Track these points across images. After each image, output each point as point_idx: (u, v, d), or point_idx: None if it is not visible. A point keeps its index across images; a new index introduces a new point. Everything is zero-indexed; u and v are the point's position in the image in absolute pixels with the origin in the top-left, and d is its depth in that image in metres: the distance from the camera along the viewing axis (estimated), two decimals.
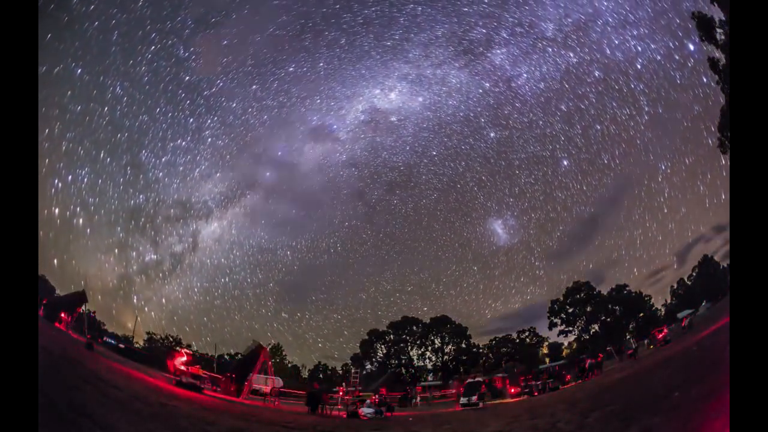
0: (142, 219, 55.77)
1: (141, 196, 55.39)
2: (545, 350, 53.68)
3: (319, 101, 60.37)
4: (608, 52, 52.64)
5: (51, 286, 38.32)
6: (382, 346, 54.48)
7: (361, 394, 29.61)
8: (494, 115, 60.62)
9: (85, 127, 48.28)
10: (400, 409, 26.39)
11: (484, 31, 55.37)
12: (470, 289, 65.78)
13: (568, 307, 50.07)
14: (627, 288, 49.82)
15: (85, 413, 7.09)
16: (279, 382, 28.23)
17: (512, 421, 12.74)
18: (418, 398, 34.08)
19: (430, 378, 52.12)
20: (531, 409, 15.88)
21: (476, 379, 29.11)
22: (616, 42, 51.75)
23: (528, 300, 61.03)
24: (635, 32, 49.99)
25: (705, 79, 44.47)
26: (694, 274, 49.06)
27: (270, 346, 46.68)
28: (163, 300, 57.29)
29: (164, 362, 23.93)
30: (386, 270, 67.50)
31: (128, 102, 51.17)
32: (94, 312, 41.07)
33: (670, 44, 48.41)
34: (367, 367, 53.06)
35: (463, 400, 23.84)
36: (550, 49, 55.14)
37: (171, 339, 50.73)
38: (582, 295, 49.71)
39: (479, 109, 60.71)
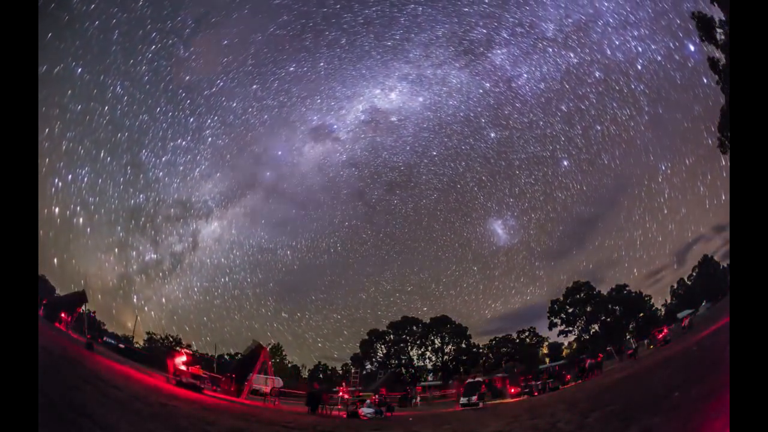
0: (142, 218, 55.91)
1: (141, 196, 55.55)
2: (545, 350, 53.69)
3: (319, 101, 60.45)
4: (609, 52, 52.79)
5: (51, 285, 38.36)
6: (382, 346, 54.47)
7: (361, 394, 29.62)
8: (494, 116, 60.68)
9: (86, 127, 48.42)
10: (400, 409, 26.38)
11: (484, 31, 55.48)
12: (470, 289, 65.89)
13: (568, 307, 50.06)
14: (627, 288, 49.82)
15: (85, 413, 7.07)
16: (279, 382, 28.27)
17: (512, 421, 12.73)
18: (418, 398, 34.09)
19: (430, 378, 52.12)
20: (531, 409, 15.87)
21: (476, 379, 29.10)
22: (617, 42, 51.89)
23: (528, 300, 61.19)
24: (636, 33, 50.14)
25: (705, 80, 44.52)
26: (694, 274, 49.14)
27: (270, 346, 46.57)
28: (163, 300, 57.44)
29: (164, 362, 23.85)
30: (386, 270, 67.63)
31: (128, 101, 51.31)
32: (94, 312, 41.11)
33: (671, 45, 48.57)
34: (367, 367, 53.08)
35: (463, 400, 23.86)
36: (551, 50, 55.26)
37: (171, 339, 50.68)
38: (582, 295, 49.69)
39: (479, 110, 60.77)
